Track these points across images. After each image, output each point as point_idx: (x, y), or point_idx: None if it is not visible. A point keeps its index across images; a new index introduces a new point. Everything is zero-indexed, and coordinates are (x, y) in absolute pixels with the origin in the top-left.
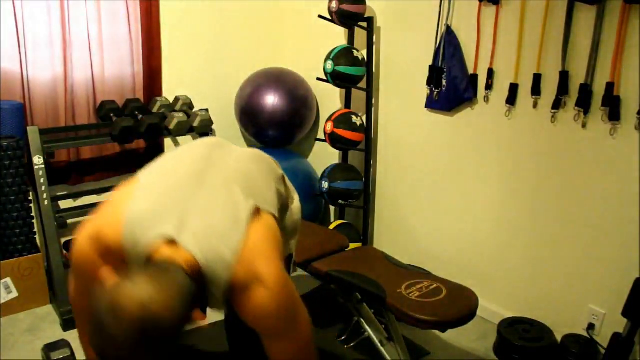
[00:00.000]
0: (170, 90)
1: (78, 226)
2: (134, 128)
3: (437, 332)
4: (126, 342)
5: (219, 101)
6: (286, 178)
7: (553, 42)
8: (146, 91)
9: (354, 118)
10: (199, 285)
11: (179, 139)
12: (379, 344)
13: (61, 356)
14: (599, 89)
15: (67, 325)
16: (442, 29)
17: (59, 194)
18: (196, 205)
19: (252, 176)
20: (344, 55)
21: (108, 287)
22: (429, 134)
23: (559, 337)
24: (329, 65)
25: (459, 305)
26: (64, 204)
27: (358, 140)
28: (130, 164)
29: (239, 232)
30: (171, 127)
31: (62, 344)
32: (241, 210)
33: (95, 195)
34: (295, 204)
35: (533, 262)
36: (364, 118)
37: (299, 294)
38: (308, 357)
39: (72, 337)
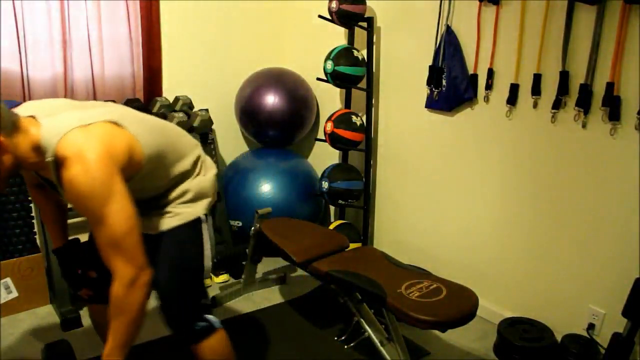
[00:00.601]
0: (170, 90)
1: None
2: None
3: (437, 332)
4: None
5: (219, 101)
6: (202, 154)
7: (553, 42)
8: (146, 91)
9: (354, 118)
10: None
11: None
12: (379, 344)
13: (61, 357)
14: (599, 89)
15: (67, 325)
16: (442, 29)
17: None
18: (67, 111)
19: (129, 112)
20: (344, 55)
21: None
22: (429, 134)
23: (559, 337)
24: (329, 65)
25: (459, 305)
26: None
27: (358, 140)
28: None
29: (78, 123)
30: None
31: (63, 344)
32: (94, 116)
33: None
34: (209, 176)
35: (533, 262)
36: (364, 118)
37: (123, 197)
38: (124, 246)
39: (72, 337)
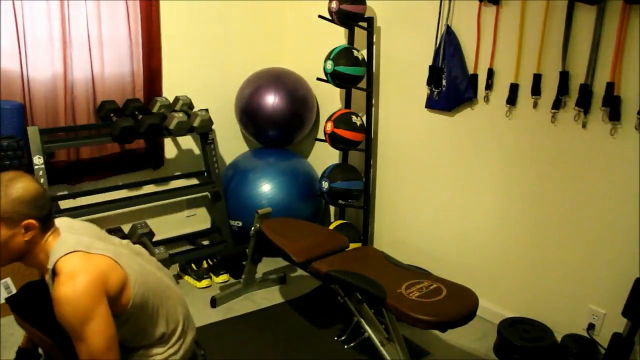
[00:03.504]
0: (170, 90)
1: None
2: (134, 128)
3: (437, 332)
4: None
5: (219, 101)
6: (187, 316)
7: (553, 42)
8: (146, 91)
9: (354, 118)
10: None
11: (179, 139)
12: (379, 344)
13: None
14: (599, 89)
15: None
16: (442, 29)
17: (59, 194)
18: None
19: (139, 263)
20: (344, 55)
21: None
22: (429, 134)
23: (559, 337)
24: (329, 65)
25: (459, 306)
26: (64, 204)
27: (358, 140)
28: (130, 164)
29: (85, 248)
30: (171, 127)
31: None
32: (105, 249)
33: (95, 195)
34: (187, 341)
35: (533, 262)
36: (364, 118)
37: (106, 319)
38: None
39: None
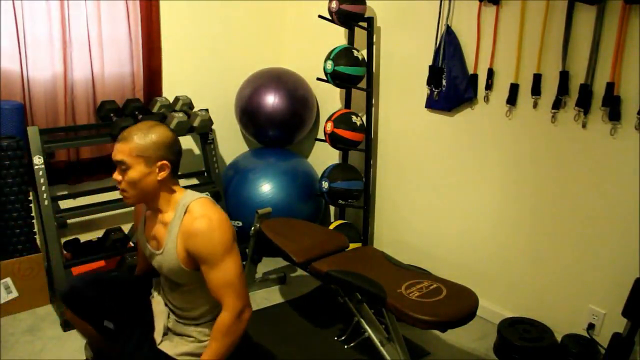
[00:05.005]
0: (170, 90)
1: (78, 226)
2: None
3: (437, 332)
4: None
5: (219, 101)
6: None
7: (553, 42)
8: (146, 91)
9: (354, 118)
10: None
11: (179, 139)
12: (379, 344)
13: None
14: (599, 89)
15: (67, 325)
16: (442, 29)
17: (59, 194)
18: None
19: None
20: (344, 55)
21: None
22: (429, 134)
23: (559, 337)
24: (329, 65)
25: (459, 306)
26: (64, 204)
27: (358, 140)
28: None
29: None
30: (171, 127)
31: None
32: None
33: (95, 195)
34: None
35: (533, 262)
36: (364, 118)
37: (237, 249)
38: (237, 286)
39: (72, 337)
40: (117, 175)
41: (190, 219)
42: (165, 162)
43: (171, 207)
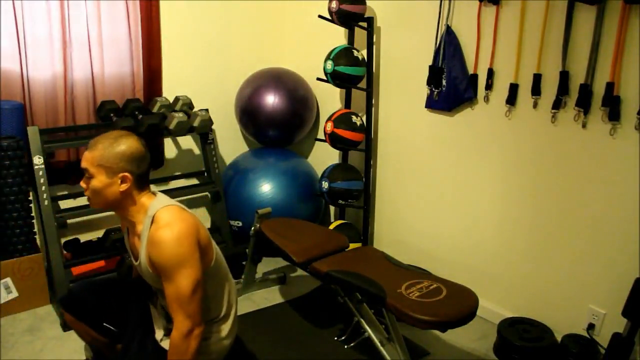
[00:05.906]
0: (170, 90)
1: (78, 226)
2: (134, 128)
3: (437, 332)
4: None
5: (219, 101)
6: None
7: (553, 42)
8: (146, 91)
9: (354, 118)
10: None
11: (179, 138)
12: (379, 344)
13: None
14: (599, 89)
15: (67, 325)
16: (442, 29)
17: (59, 194)
18: None
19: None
20: (344, 55)
21: None
22: (429, 134)
23: (559, 337)
24: (329, 65)
25: (459, 306)
26: (64, 204)
27: (358, 140)
28: None
29: (180, 205)
30: (171, 127)
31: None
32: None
33: None
34: (234, 332)
35: (533, 262)
36: (364, 118)
37: (196, 265)
38: (187, 304)
39: (72, 337)
40: (82, 183)
41: (155, 229)
42: (126, 174)
43: (142, 217)
